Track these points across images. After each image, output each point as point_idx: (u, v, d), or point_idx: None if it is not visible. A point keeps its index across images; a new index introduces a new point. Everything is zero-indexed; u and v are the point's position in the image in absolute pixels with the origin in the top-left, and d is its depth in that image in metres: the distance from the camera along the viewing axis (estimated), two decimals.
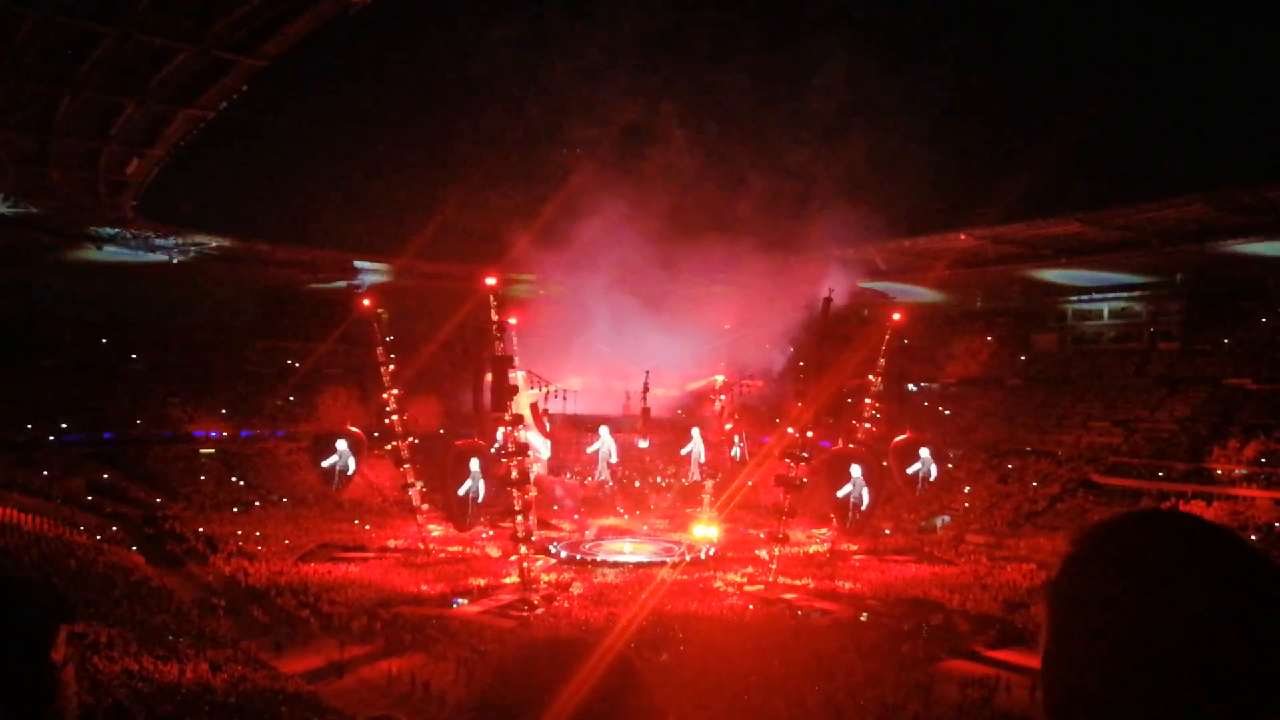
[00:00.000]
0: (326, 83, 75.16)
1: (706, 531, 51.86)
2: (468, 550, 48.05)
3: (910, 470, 47.73)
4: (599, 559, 47.83)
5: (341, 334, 63.01)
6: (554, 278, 63.76)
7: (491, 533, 50.71)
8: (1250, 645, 1.14)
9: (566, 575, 43.76)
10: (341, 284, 68.61)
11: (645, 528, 56.42)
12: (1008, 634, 33.61)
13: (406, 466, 49.53)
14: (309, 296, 71.78)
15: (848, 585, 41.16)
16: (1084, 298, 64.52)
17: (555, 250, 58.78)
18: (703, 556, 47.89)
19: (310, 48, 35.70)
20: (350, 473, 53.30)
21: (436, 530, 50.18)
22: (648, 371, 56.33)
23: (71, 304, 65.84)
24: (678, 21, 72.43)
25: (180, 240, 59.35)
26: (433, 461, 49.70)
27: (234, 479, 60.02)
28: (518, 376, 48.45)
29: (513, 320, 50.59)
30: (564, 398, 55.48)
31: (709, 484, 56.25)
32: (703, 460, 58.11)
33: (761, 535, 49.91)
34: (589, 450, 55.14)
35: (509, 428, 43.98)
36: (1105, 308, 64.95)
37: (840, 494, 45.31)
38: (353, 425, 54.71)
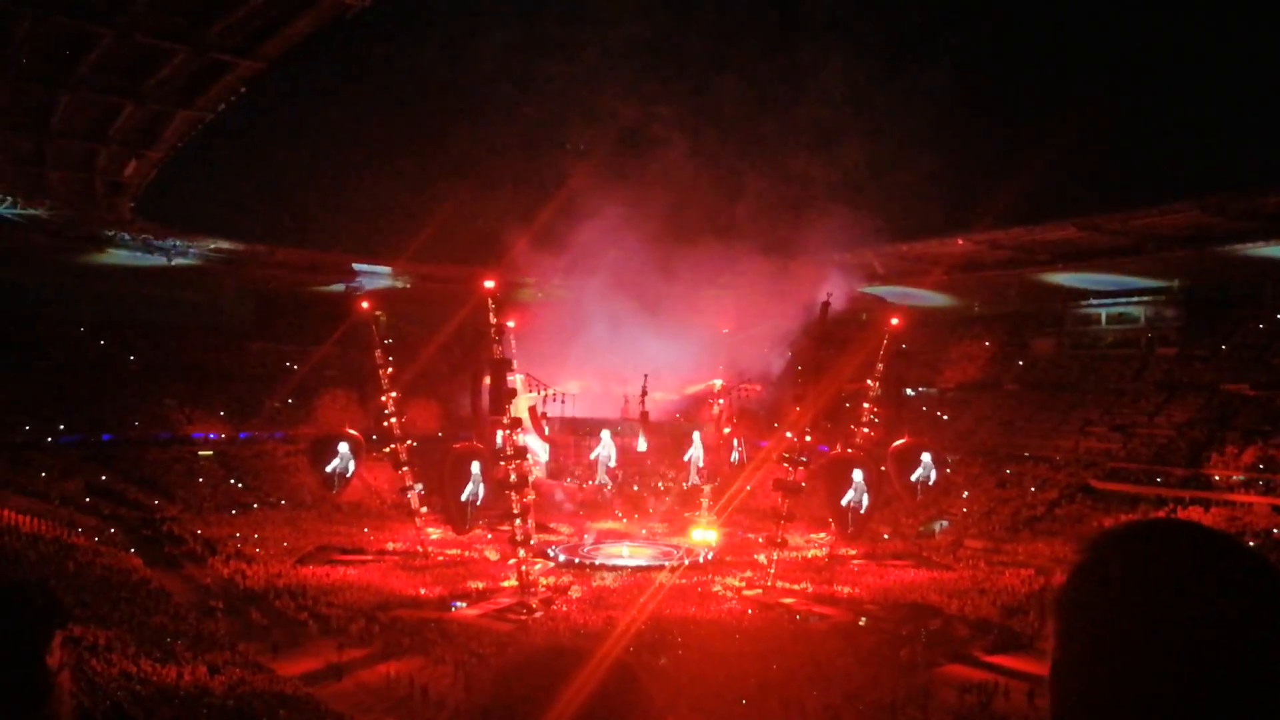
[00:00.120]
0: (325, 85, 75.28)
1: (705, 535, 51.85)
2: (466, 553, 47.98)
3: (914, 477, 47.69)
4: (597, 563, 47.80)
5: (340, 336, 62.97)
6: (553, 281, 63.79)
7: (490, 536, 50.65)
8: (1259, 654, 1.14)
9: (565, 579, 43.71)
10: (340, 286, 68.58)
11: (644, 531, 56.36)
12: (1006, 639, 33.62)
13: (405, 469, 49.52)
14: (307, 299, 71.75)
15: (846, 590, 41.14)
16: (1096, 301, 64.42)
17: (554, 253, 58.84)
18: (701, 560, 47.87)
19: (309, 50, 35.73)
20: (349, 475, 53.28)
21: (435, 533, 50.12)
22: (646, 375, 56.31)
23: (69, 305, 65.71)
24: (676, 25, 72.61)
25: (189, 244, 59.51)
26: (431, 464, 49.66)
27: (232, 481, 59.92)
28: (516, 380, 48.42)
29: (511, 323, 50.56)
30: (562, 401, 55.42)
31: (707, 488, 56.23)
32: (701, 464, 58.12)
33: (760, 539, 49.89)
34: (592, 455, 55.14)
35: (507, 431, 43.96)
36: (1104, 312, 65.01)
37: (844, 501, 45.21)
38: (351, 428, 54.67)
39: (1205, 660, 1.13)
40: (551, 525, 55.37)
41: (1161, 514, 46.18)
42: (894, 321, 49.80)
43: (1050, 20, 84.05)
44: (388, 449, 51.58)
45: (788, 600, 39.97)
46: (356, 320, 52.92)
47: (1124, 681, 1.17)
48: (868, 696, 27.26)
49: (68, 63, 31.31)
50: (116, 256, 59.42)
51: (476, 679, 28.20)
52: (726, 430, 58.11)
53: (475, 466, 44.60)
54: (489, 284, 44.99)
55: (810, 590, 41.46)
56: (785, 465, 45.38)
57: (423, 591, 39.71)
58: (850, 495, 46.13)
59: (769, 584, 42.18)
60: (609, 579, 43.86)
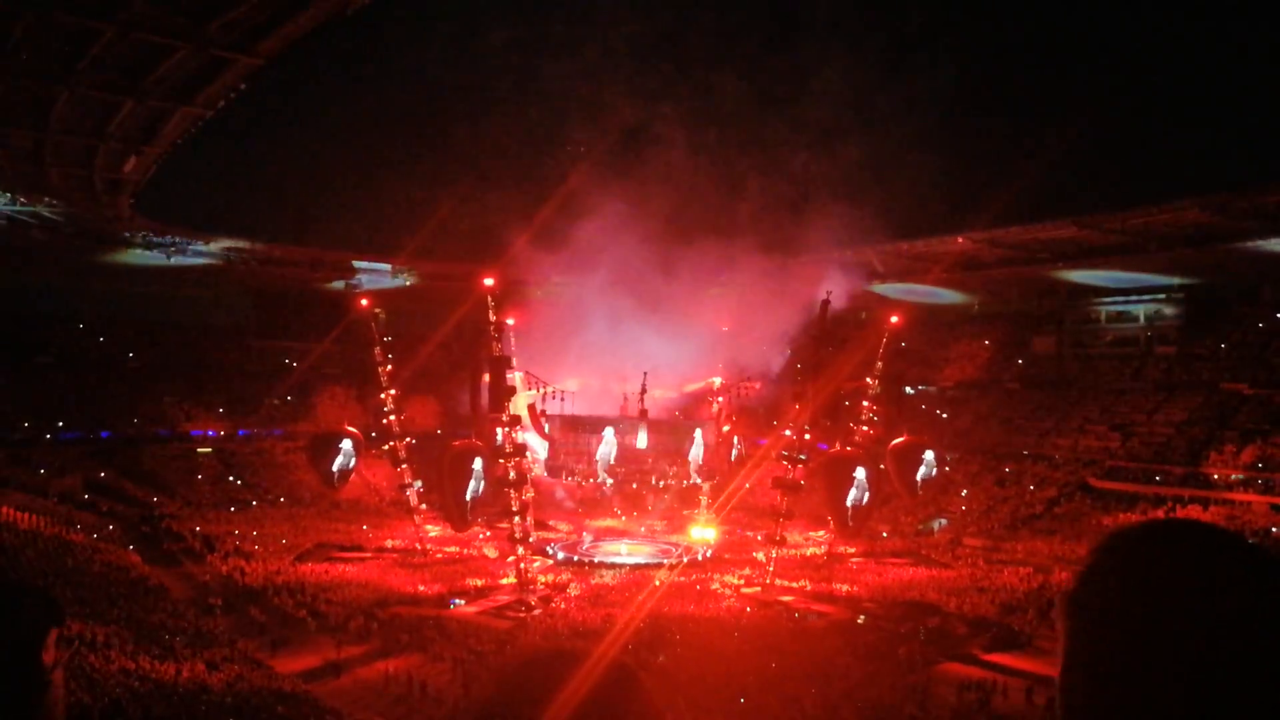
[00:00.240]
0: (326, 83, 75.24)
1: (704, 533, 51.86)
2: (465, 551, 48.03)
3: (919, 476, 47.66)
4: (596, 560, 47.82)
5: (339, 334, 62.95)
6: (552, 278, 63.71)
7: (489, 533, 50.66)
8: (1273, 653, 1.13)
9: (564, 576, 43.77)
10: (340, 284, 68.54)
11: (643, 529, 56.37)
12: (1004, 637, 33.66)
13: (404, 466, 49.52)
14: (307, 296, 71.70)
15: (845, 587, 41.18)
16: (1096, 300, 64.31)
17: (554, 251, 58.78)
18: (700, 558, 47.89)
19: (310, 48, 35.67)
20: (350, 472, 53.29)
21: (434, 530, 50.14)
22: (645, 373, 56.26)
23: (68, 303, 65.75)
24: (677, 23, 72.57)
25: (199, 242, 59.60)
26: (430, 462, 49.67)
27: (231, 478, 59.96)
28: (516, 377, 48.39)
29: (511, 321, 50.52)
30: (561, 399, 55.38)
31: (706, 486, 56.22)
32: (700, 462, 58.08)
33: (759, 537, 49.89)
34: (597, 455, 55.19)
35: (507, 428, 43.95)
36: (1103, 311, 64.98)
37: (849, 501, 45.18)
38: (350, 425, 54.61)
39: (1219, 661, 1.12)
40: (550, 523, 55.39)
41: (1160, 513, 46.22)
42: (894, 320, 49.77)
43: (1051, 19, 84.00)
44: (387, 446, 51.59)
45: (786, 598, 40.00)
46: (356, 317, 52.89)
47: (1137, 682, 1.16)
48: (866, 694, 27.27)
49: (67, 59, 31.24)
50: (116, 254, 59.34)
51: (475, 676, 28.22)
52: (726, 428, 58.04)
53: (478, 463, 44.60)
54: (488, 281, 44.96)
55: (809, 588, 41.49)
56: (784, 463, 45.38)
57: (421, 589, 39.73)
58: (854, 494, 46.13)
59: (768, 582, 42.20)
60: (608, 577, 43.89)
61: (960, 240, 56.81)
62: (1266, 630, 1.14)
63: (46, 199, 47.89)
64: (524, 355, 52.17)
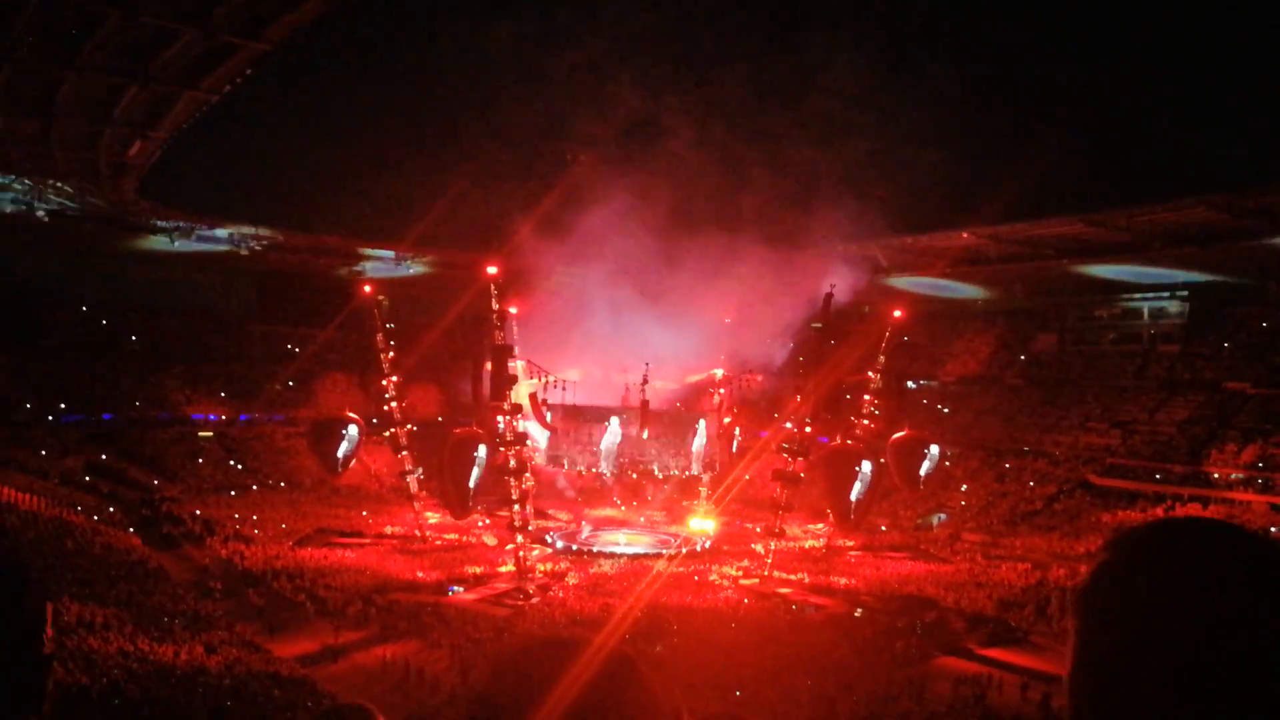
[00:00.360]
0: (332, 70, 75.08)
1: (703, 524, 51.95)
2: (464, 538, 48.14)
3: (923, 470, 47.70)
4: (595, 550, 47.93)
5: (342, 320, 62.96)
6: (556, 268, 63.65)
7: (488, 521, 50.78)
8: None
9: (563, 565, 43.87)
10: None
11: (642, 519, 56.51)
12: (1001, 633, 33.73)
13: (405, 454, 49.62)
14: (310, 282, 71.66)
15: (843, 581, 41.25)
16: (1099, 298, 64.03)
17: (558, 241, 58.72)
18: (699, 549, 48.00)
19: (317, 34, 35.65)
20: (351, 458, 53.41)
21: (433, 518, 50.25)
22: (647, 364, 56.29)
23: (71, 285, 65.75)
24: (683, 16, 72.35)
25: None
26: (431, 449, 49.75)
27: (232, 462, 60.08)
28: (517, 366, 48.43)
29: (513, 309, 50.55)
30: (563, 388, 55.43)
31: (706, 477, 56.32)
32: (703, 454, 58.17)
33: (758, 529, 49.98)
34: (602, 444, 55.32)
35: (508, 417, 44.01)
36: (1106, 310, 64.81)
37: (854, 495, 45.23)
38: (352, 412, 54.66)
39: (1231, 659, 1.11)
40: (550, 512, 55.49)
41: (1160, 511, 46.25)
42: (896, 314, 49.75)
43: (1057, 14, 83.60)
44: (388, 433, 51.70)
45: (784, 590, 40.08)
46: (359, 304, 52.94)
47: (1147, 681, 1.14)
48: (863, 687, 27.34)
49: (74, 43, 31.24)
50: (122, 239, 59.39)
51: (472, 663, 28.32)
52: (727, 420, 58.11)
53: (482, 450, 44.71)
54: (492, 270, 44.96)
55: (807, 581, 41.56)
56: (784, 456, 45.43)
57: (420, 575, 39.85)
58: (858, 487, 46.24)
59: (766, 574, 42.27)
60: (606, 566, 44.00)
61: (965, 235, 56.71)
62: (1278, 628, 1.12)
63: (53, 182, 47.93)
64: (526, 344, 52.21)
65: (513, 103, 66.85)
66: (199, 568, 39.70)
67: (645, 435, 55.74)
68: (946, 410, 65.75)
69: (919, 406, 65.67)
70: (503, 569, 42.05)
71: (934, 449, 48.64)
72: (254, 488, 57.17)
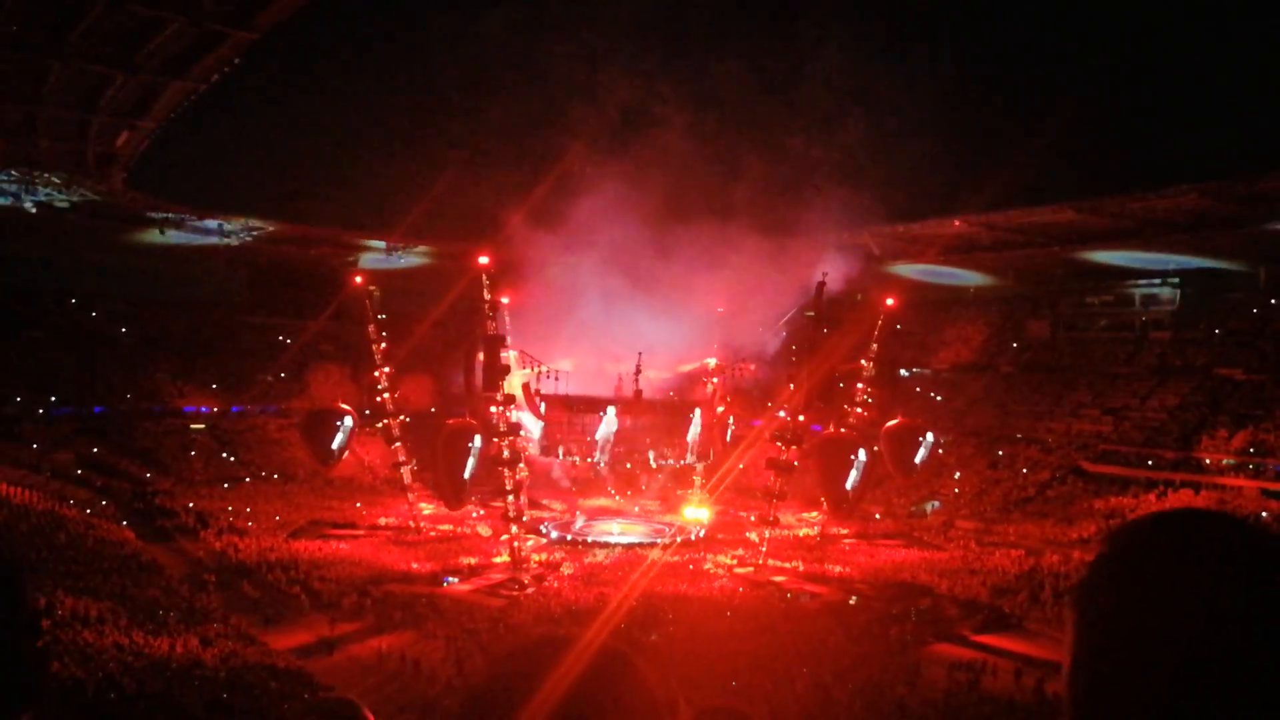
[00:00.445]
0: (321, 60, 74.64)
1: (697, 513, 52.01)
2: (458, 529, 48.13)
3: (918, 457, 47.83)
4: (590, 540, 47.96)
5: (333, 311, 62.74)
6: (548, 257, 63.50)
7: (482, 512, 50.75)
8: None
9: (557, 555, 43.88)
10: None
11: (636, 509, 56.56)
12: (995, 619, 33.91)
13: (398, 445, 49.52)
14: (300, 273, 71.38)
15: (837, 569, 41.38)
16: (1091, 284, 64.10)
17: (550, 230, 58.55)
18: (693, 538, 48.08)
19: (306, 23, 35.37)
20: (344, 449, 53.33)
21: (427, 509, 50.18)
22: (640, 353, 56.23)
23: (61, 276, 65.45)
24: (676, 4, 72.06)
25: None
26: (424, 440, 49.65)
27: (224, 455, 59.90)
28: (510, 356, 48.33)
29: (505, 299, 50.42)
30: (556, 378, 55.38)
31: (700, 466, 56.39)
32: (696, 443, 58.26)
33: (752, 518, 50.04)
34: (598, 435, 55.36)
35: (501, 407, 43.93)
36: (1098, 297, 64.92)
37: (849, 484, 45.34)
38: (344, 403, 54.53)
39: (1233, 653, 1.09)
40: (544, 502, 55.49)
41: (1152, 496, 46.49)
42: (889, 302, 49.78)
43: (1048, 4, 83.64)
44: (380, 424, 51.59)
45: (779, 578, 40.20)
46: (350, 295, 52.74)
47: (1148, 677, 1.12)
48: (858, 674, 27.44)
49: (59, 31, 30.93)
50: (110, 229, 58.98)
51: (468, 654, 28.33)
52: (720, 409, 58.15)
53: (476, 441, 44.67)
54: (483, 260, 44.79)
55: (801, 569, 41.68)
56: (778, 444, 45.47)
57: (415, 566, 39.83)
58: (853, 476, 46.44)
59: (760, 562, 42.38)
60: (601, 556, 44.04)
61: (957, 223, 56.71)
62: (1278, 621, 1.10)
63: (40, 174, 47.56)
64: (519, 334, 52.11)
65: (503, 92, 66.63)
66: (193, 560, 39.61)
67: (627, 423, 55.85)
68: (939, 398, 65.89)
69: (912, 394, 65.79)
70: (497, 559, 42.08)
71: (928, 436, 48.77)
72: (247, 480, 57.04)
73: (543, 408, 55.45)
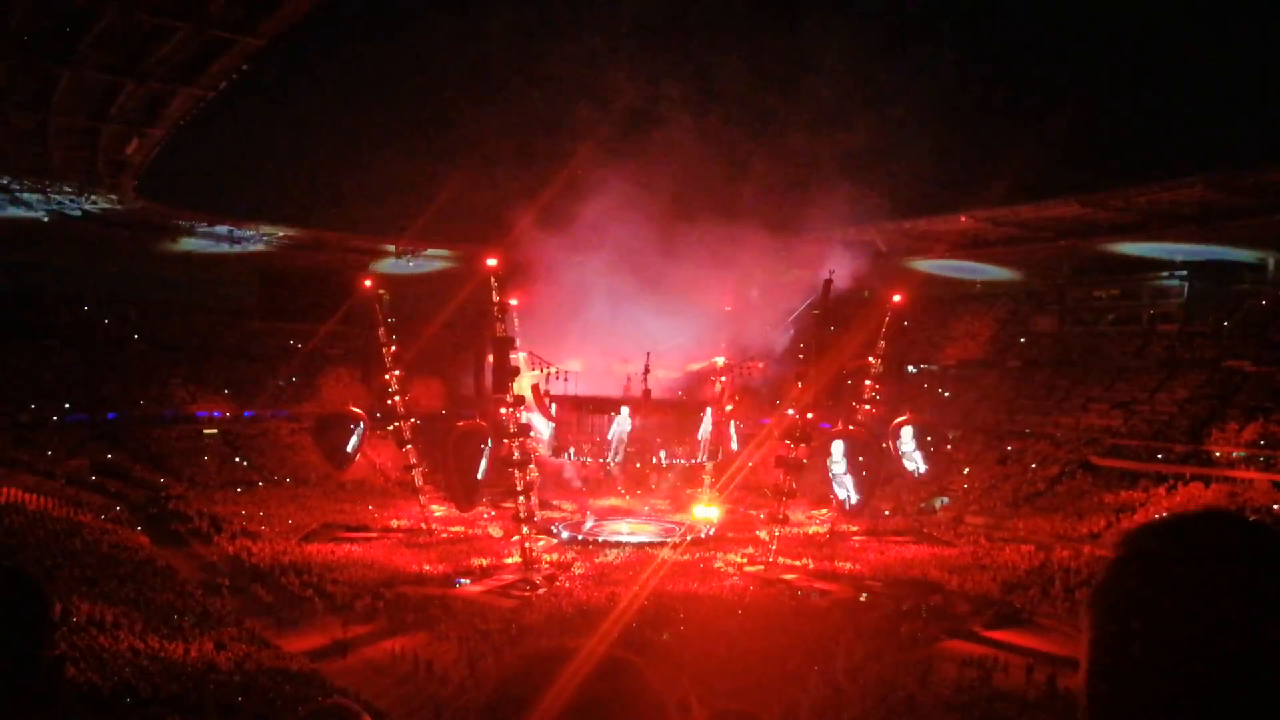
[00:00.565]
0: (330, 65, 74.88)
1: (707, 512, 52.09)
2: (470, 531, 48.31)
3: (919, 453, 47.98)
4: (600, 539, 48.09)
5: (343, 315, 63.01)
6: (556, 258, 63.64)
7: (493, 513, 50.94)
8: None
9: (568, 555, 44.01)
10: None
11: (646, 508, 56.66)
12: (1006, 615, 33.89)
13: (409, 447, 49.72)
14: (310, 277, 71.63)
15: (847, 566, 41.42)
16: (1100, 278, 63.79)
17: (557, 232, 58.67)
18: (703, 537, 48.17)
19: (315, 28, 35.54)
20: (356, 453, 53.68)
21: (439, 511, 50.40)
22: (648, 353, 56.34)
23: (73, 284, 65.80)
24: (680, 2, 72.04)
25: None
26: (435, 442, 49.86)
27: (237, 459, 60.22)
28: (519, 358, 48.49)
29: (514, 301, 50.59)
30: (565, 379, 55.55)
31: (709, 464, 56.49)
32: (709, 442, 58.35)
33: (761, 516, 50.10)
34: (610, 434, 55.51)
35: (511, 409, 44.10)
36: (1105, 290, 64.61)
37: (833, 473, 45.60)
38: (355, 406, 54.85)
39: (1252, 655, 1.09)
40: (554, 502, 55.64)
41: (1162, 490, 46.33)
42: (896, 299, 49.77)
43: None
44: (391, 427, 51.81)
45: (789, 576, 40.25)
46: (359, 299, 52.98)
47: (1165, 680, 1.12)
48: (869, 671, 27.50)
49: (69, 40, 31.17)
50: (121, 236, 59.31)
51: (480, 655, 28.48)
52: (729, 408, 58.24)
53: (488, 443, 44.86)
54: (491, 262, 44.95)
55: (811, 566, 41.73)
56: (787, 442, 45.51)
57: (427, 568, 40.00)
58: (834, 469, 46.66)
59: (770, 560, 42.43)
60: (612, 555, 44.16)
61: (963, 219, 56.62)
62: None
63: (50, 184, 47.87)
64: (527, 336, 52.27)
65: (510, 94, 66.76)
66: (207, 565, 39.88)
67: (637, 423, 55.99)
68: (947, 394, 65.78)
69: (920, 390, 65.73)
70: (509, 560, 42.22)
71: (906, 431, 49.07)
72: (259, 484, 57.32)
73: (553, 409, 55.66)
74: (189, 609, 30.74)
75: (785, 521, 44.67)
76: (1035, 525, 46.02)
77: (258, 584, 36.58)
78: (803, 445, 44.77)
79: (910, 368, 68.63)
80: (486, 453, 45.09)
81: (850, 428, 49.16)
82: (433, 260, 68.99)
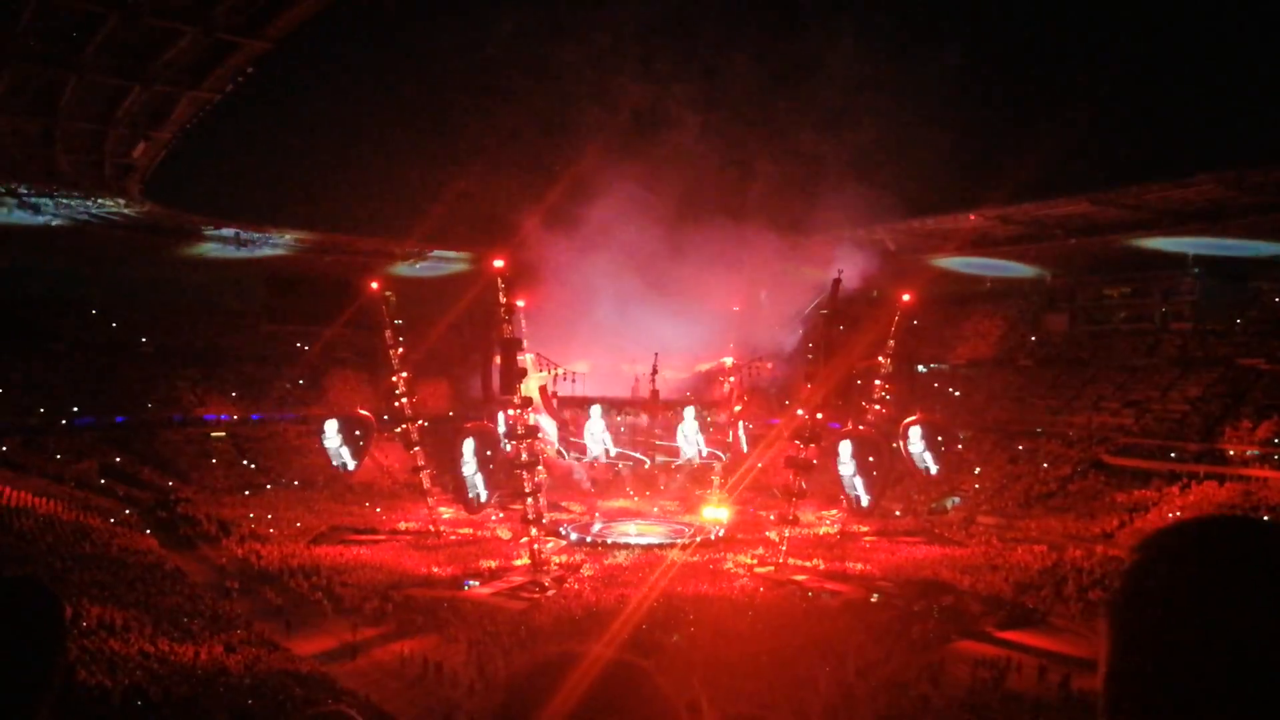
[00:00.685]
0: (336, 67, 74.99)
1: (716, 513, 51.94)
2: (478, 533, 48.25)
3: (914, 451, 47.77)
4: (609, 541, 47.98)
5: (350, 317, 63.01)
6: (563, 260, 63.67)
7: (502, 515, 50.88)
8: None
9: (577, 557, 43.93)
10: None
11: (655, 510, 56.54)
12: (1018, 615, 33.68)
13: (416, 449, 49.68)
14: (317, 280, 71.68)
15: (858, 566, 41.23)
16: (1111, 277, 63.39)
17: (565, 233, 58.66)
18: (712, 538, 48.01)
19: (320, 31, 35.54)
20: (364, 455, 53.70)
21: (447, 513, 50.35)
22: (656, 354, 56.30)
23: (80, 288, 65.96)
24: (687, 3, 72.01)
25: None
26: (442, 444, 49.79)
27: (245, 462, 60.30)
28: (527, 359, 48.44)
29: (521, 303, 50.55)
30: (572, 380, 55.53)
31: (718, 465, 56.36)
32: (704, 443, 58.33)
33: (771, 517, 49.93)
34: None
35: (519, 410, 44.02)
36: (1117, 289, 64.28)
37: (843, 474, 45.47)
38: (362, 408, 54.87)
39: (1275, 661, 1.07)
40: (563, 504, 55.56)
41: (1175, 489, 46.02)
42: (905, 298, 49.58)
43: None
44: (399, 429, 51.79)
45: (799, 577, 40.07)
46: (366, 301, 52.98)
47: (1185, 685, 1.11)
48: (880, 672, 27.34)
49: (74, 45, 31.19)
50: (130, 240, 59.43)
51: (489, 657, 28.39)
52: (737, 408, 58.13)
53: (496, 444, 44.84)
54: (499, 264, 44.87)
55: (822, 567, 41.55)
56: (797, 442, 45.35)
57: (435, 570, 39.95)
58: (843, 470, 46.54)
59: (781, 561, 42.27)
60: (621, 557, 44.04)
61: (972, 218, 56.39)
62: None
63: (58, 189, 48.01)
64: (534, 337, 52.21)
65: (517, 96, 66.74)
66: (216, 568, 39.88)
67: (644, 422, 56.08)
68: (958, 393, 65.53)
69: (930, 390, 65.49)
70: (518, 562, 42.15)
71: (914, 431, 48.90)
72: (267, 487, 57.37)
73: (566, 416, 55.79)
74: (198, 612, 30.72)
75: (795, 522, 44.47)
76: (1047, 525, 45.77)
77: (267, 587, 36.56)
78: (812, 446, 44.60)
79: (920, 367, 68.42)
80: (493, 455, 45.01)
81: (860, 428, 48.96)
82: (440, 263, 68.83)
